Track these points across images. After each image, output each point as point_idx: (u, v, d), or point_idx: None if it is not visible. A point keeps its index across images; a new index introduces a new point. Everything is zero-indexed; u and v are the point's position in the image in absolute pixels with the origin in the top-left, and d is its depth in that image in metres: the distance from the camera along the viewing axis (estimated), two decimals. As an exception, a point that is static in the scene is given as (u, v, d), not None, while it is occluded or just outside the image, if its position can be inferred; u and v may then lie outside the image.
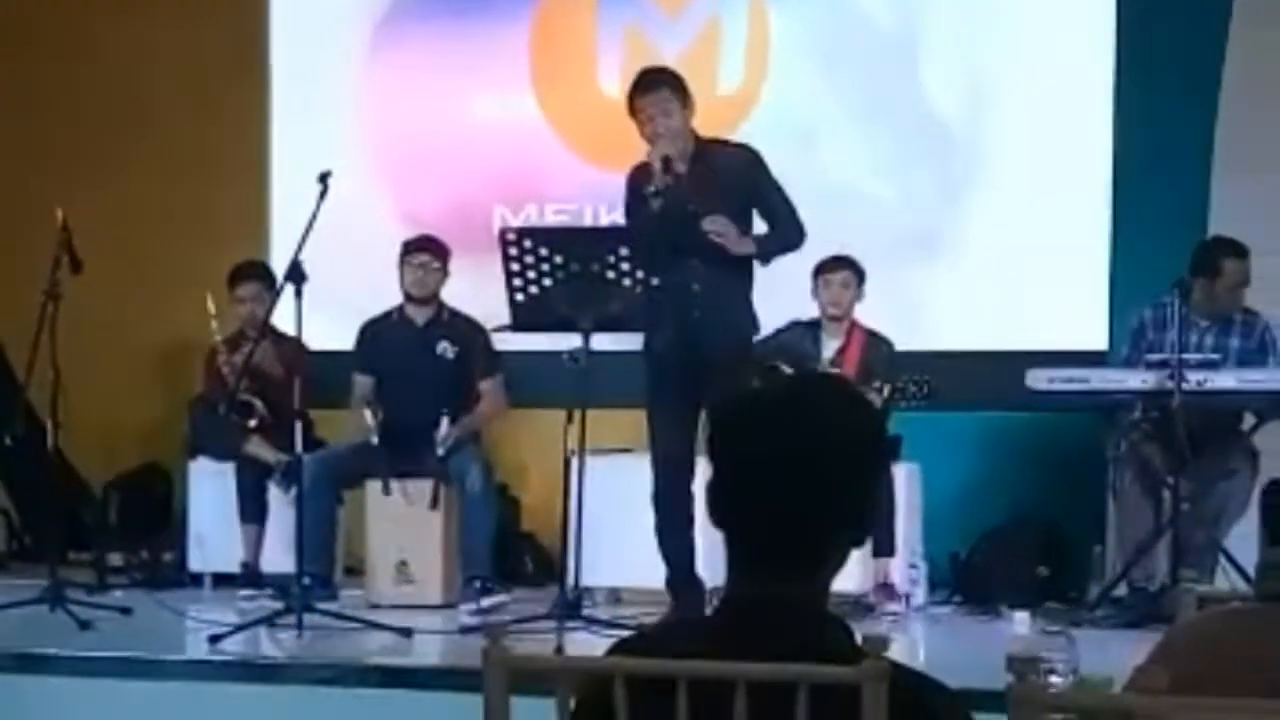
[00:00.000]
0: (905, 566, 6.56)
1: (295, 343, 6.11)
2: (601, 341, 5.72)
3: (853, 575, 6.11)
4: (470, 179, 8.02)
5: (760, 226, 5.93)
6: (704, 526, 2.42)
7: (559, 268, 5.64)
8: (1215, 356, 6.35)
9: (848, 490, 2.05)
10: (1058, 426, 7.17)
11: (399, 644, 5.78)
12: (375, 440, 6.75)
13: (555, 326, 5.76)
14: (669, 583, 5.93)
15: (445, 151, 8.09)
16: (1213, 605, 3.24)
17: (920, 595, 6.67)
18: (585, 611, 5.82)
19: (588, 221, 7.52)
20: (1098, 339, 7.17)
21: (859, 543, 2.10)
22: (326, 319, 6.58)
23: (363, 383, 6.97)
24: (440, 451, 6.67)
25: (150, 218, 8.31)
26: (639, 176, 5.81)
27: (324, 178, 5.96)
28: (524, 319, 5.78)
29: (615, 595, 6.71)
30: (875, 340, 6.75)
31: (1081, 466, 6.99)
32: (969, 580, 6.89)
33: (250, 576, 6.94)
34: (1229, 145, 7.17)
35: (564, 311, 5.64)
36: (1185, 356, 6.15)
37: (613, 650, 2.17)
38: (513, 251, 5.67)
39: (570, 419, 5.58)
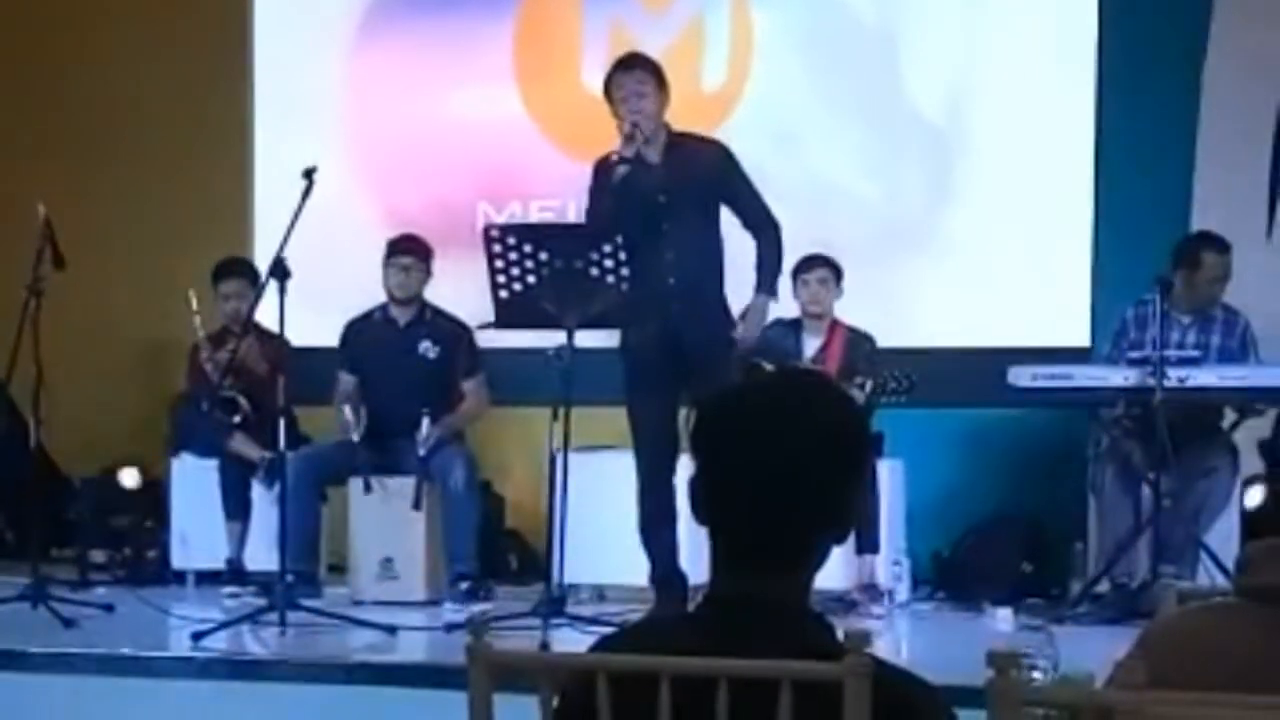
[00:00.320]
0: (888, 563, 6.58)
1: (279, 339, 6.10)
2: (585, 339, 5.72)
3: (836, 572, 6.12)
4: (454, 175, 8.02)
5: (729, 219, 5.93)
6: (687, 523, 2.42)
7: (543, 265, 5.62)
8: (1196, 354, 6.36)
9: (830, 487, 2.05)
10: (1040, 423, 7.18)
11: (383, 641, 5.77)
12: (357, 438, 6.76)
13: (539, 324, 5.74)
14: (653, 579, 5.94)
15: (429, 148, 8.08)
16: (1193, 601, 3.25)
17: (903, 592, 6.68)
18: (569, 609, 5.81)
19: (572, 218, 7.49)
20: (1080, 336, 7.18)
21: (842, 540, 2.10)
22: (310, 315, 6.55)
23: (346, 381, 6.98)
24: (421, 452, 6.67)
25: (133, 214, 8.30)
26: (604, 166, 5.80)
27: (309, 174, 5.95)
28: (508, 316, 5.77)
29: (599, 592, 6.71)
30: (857, 337, 6.77)
31: (1063, 463, 7.01)
32: (951, 577, 6.91)
33: (234, 573, 6.94)
34: (1211, 143, 7.19)
35: (548, 309, 5.63)
36: (1166, 354, 6.17)
37: (596, 647, 2.17)
38: (496, 249, 5.66)
39: (555, 416, 5.59)
